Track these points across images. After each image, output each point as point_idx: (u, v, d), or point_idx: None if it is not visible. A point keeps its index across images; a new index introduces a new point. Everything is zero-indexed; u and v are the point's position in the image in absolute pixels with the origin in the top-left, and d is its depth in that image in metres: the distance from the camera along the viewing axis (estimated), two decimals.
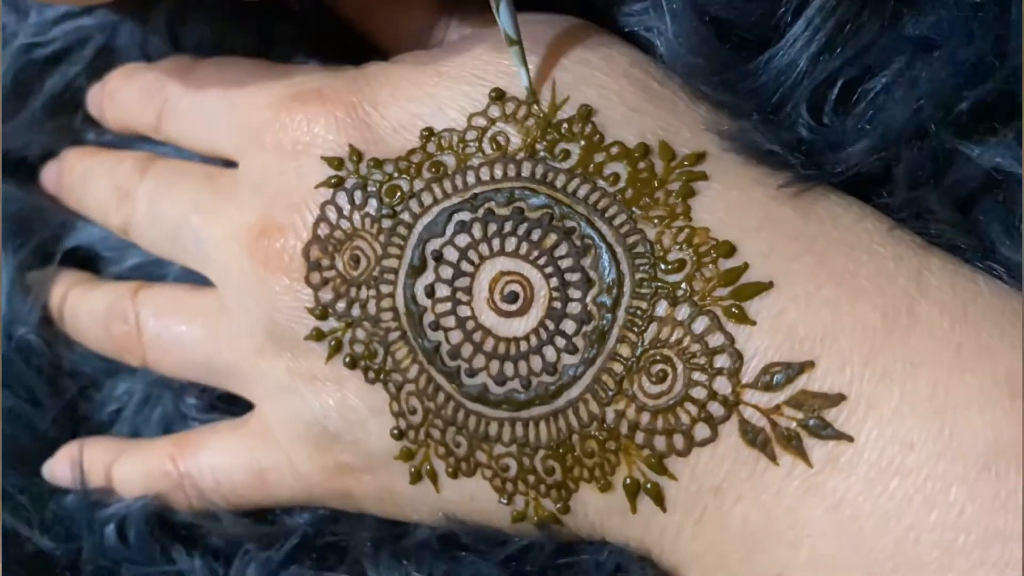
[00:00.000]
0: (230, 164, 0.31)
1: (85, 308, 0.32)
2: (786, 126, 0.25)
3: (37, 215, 0.34)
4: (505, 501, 0.26)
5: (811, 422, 0.22)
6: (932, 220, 0.24)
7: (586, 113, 0.25)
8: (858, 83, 0.25)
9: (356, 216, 0.26)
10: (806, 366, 0.22)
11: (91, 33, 0.33)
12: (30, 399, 0.32)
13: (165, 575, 0.29)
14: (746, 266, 0.23)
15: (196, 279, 0.31)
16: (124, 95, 0.33)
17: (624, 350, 0.24)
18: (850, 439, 0.22)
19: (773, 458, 0.22)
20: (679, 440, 0.23)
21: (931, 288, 0.23)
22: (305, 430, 0.27)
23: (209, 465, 0.30)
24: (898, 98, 0.24)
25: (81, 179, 0.33)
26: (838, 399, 0.22)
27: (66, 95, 0.34)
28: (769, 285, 0.23)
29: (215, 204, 0.29)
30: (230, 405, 0.32)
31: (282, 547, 0.28)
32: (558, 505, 0.25)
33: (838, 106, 0.25)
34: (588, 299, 0.24)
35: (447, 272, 0.25)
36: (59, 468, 0.32)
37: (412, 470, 0.26)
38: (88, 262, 0.34)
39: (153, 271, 0.33)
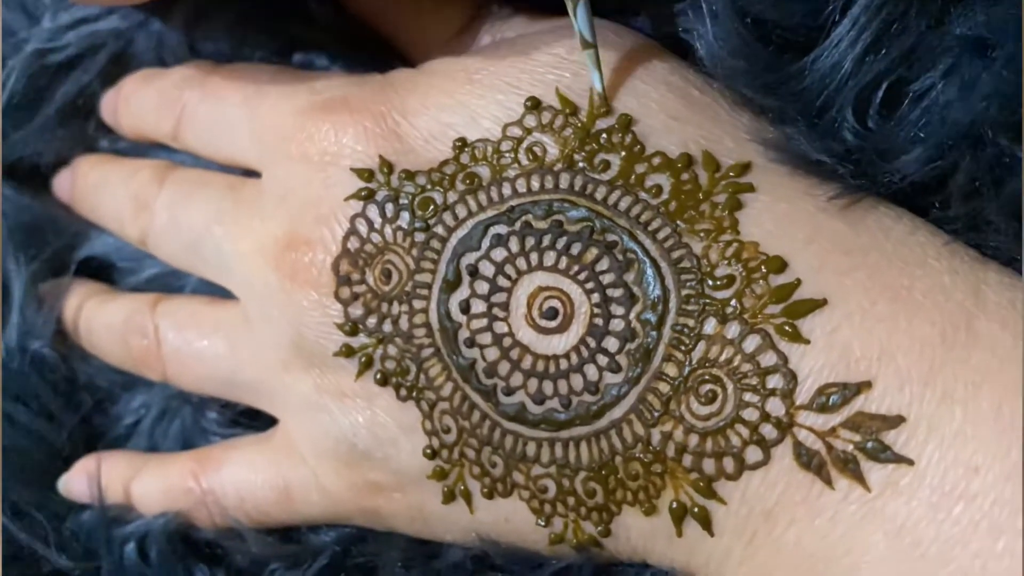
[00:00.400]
0: (250, 174, 0.30)
1: (102, 321, 0.32)
2: (831, 132, 0.24)
3: (50, 224, 0.34)
4: (543, 523, 0.25)
5: (869, 445, 0.21)
6: (989, 232, 0.23)
7: (626, 122, 0.24)
8: (904, 85, 0.24)
9: (388, 229, 0.25)
10: (863, 386, 0.22)
11: (106, 39, 0.33)
12: (45, 413, 0.32)
13: None
14: (798, 282, 0.22)
15: (215, 291, 0.31)
16: (140, 102, 0.32)
17: (670, 369, 0.23)
18: (910, 462, 0.21)
19: (829, 482, 0.22)
20: (729, 463, 0.22)
21: (990, 303, 0.22)
22: (333, 447, 0.27)
23: (232, 481, 0.29)
24: (956, 101, 0.23)
25: (96, 188, 0.33)
26: (897, 421, 0.21)
27: (79, 101, 0.33)
28: (823, 302, 0.22)
29: (238, 215, 0.29)
30: (252, 420, 0.31)
31: (310, 567, 0.28)
32: (599, 528, 0.24)
33: (883, 109, 0.24)
34: (632, 316, 0.23)
35: (483, 287, 0.24)
36: (75, 483, 0.31)
37: (445, 490, 0.26)
38: (103, 272, 0.34)
39: (171, 282, 0.33)
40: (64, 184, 0.33)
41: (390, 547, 0.28)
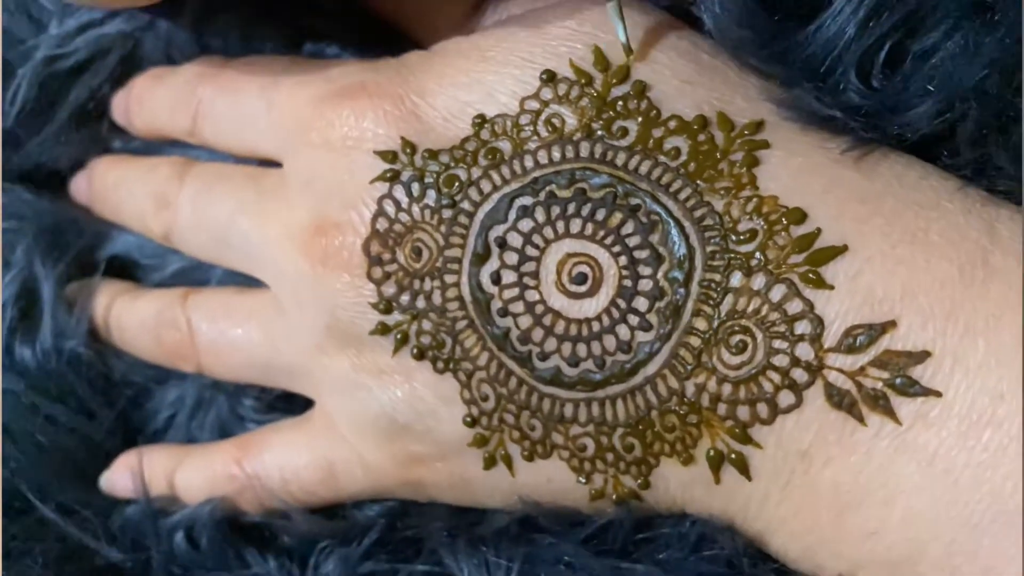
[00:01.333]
0: (266, 164, 0.30)
1: (133, 318, 0.32)
2: (837, 93, 0.25)
3: (71, 226, 0.34)
4: (583, 480, 0.26)
5: (897, 381, 0.22)
6: (999, 177, 0.24)
7: (641, 89, 0.25)
8: (906, 46, 0.25)
9: (415, 208, 0.26)
10: (888, 326, 0.22)
11: (113, 42, 0.33)
12: (84, 411, 0.32)
13: None
14: (819, 231, 0.23)
15: (240, 281, 0.31)
16: (153, 100, 0.32)
17: (700, 323, 0.24)
18: (938, 394, 0.22)
19: (861, 419, 0.23)
20: (763, 409, 0.23)
21: (1003, 239, 0.23)
22: (373, 422, 0.27)
23: (276, 464, 0.30)
24: (960, 64, 0.23)
25: (115, 187, 0.33)
26: (923, 356, 0.22)
27: (91, 105, 0.34)
28: (843, 248, 0.23)
29: (262, 205, 0.29)
30: (288, 404, 0.32)
31: (361, 542, 0.28)
32: (638, 481, 0.25)
33: (886, 69, 0.25)
34: (659, 275, 0.24)
35: (512, 258, 0.25)
36: (118, 479, 0.32)
37: (486, 455, 0.26)
38: (126, 270, 0.34)
39: (196, 276, 0.33)
40: (81, 186, 0.34)
41: (433, 518, 0.29)
